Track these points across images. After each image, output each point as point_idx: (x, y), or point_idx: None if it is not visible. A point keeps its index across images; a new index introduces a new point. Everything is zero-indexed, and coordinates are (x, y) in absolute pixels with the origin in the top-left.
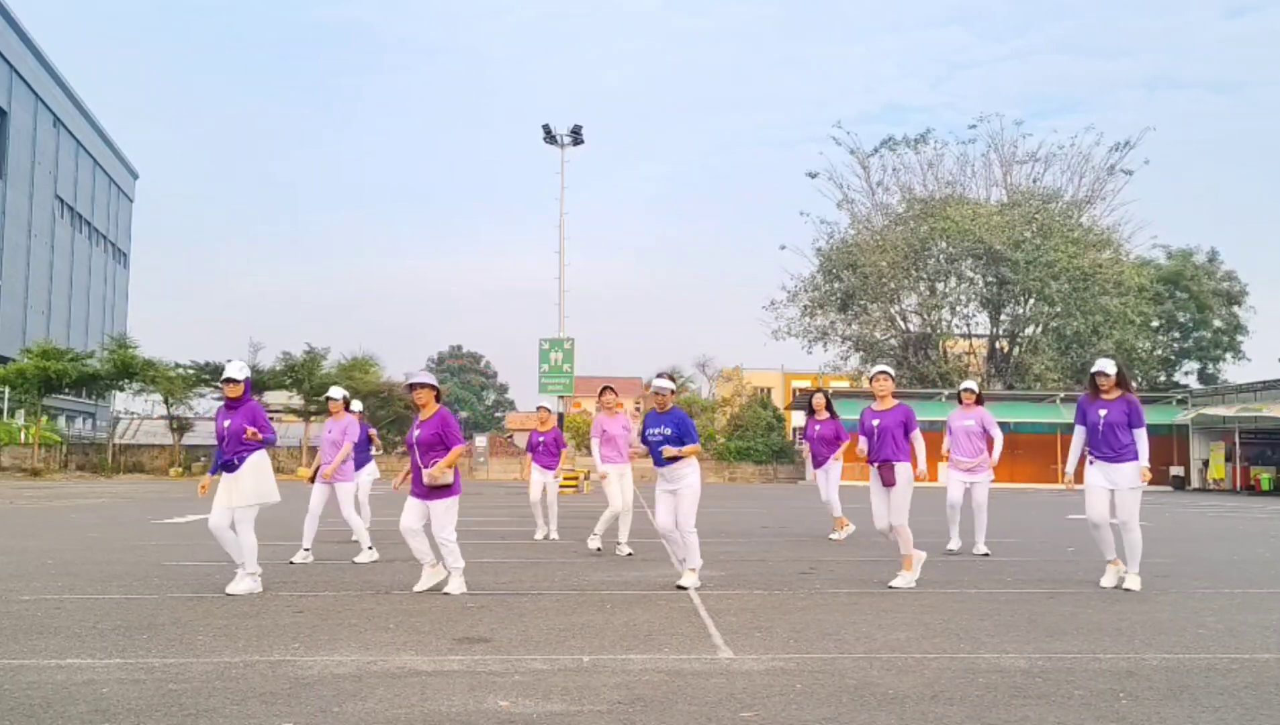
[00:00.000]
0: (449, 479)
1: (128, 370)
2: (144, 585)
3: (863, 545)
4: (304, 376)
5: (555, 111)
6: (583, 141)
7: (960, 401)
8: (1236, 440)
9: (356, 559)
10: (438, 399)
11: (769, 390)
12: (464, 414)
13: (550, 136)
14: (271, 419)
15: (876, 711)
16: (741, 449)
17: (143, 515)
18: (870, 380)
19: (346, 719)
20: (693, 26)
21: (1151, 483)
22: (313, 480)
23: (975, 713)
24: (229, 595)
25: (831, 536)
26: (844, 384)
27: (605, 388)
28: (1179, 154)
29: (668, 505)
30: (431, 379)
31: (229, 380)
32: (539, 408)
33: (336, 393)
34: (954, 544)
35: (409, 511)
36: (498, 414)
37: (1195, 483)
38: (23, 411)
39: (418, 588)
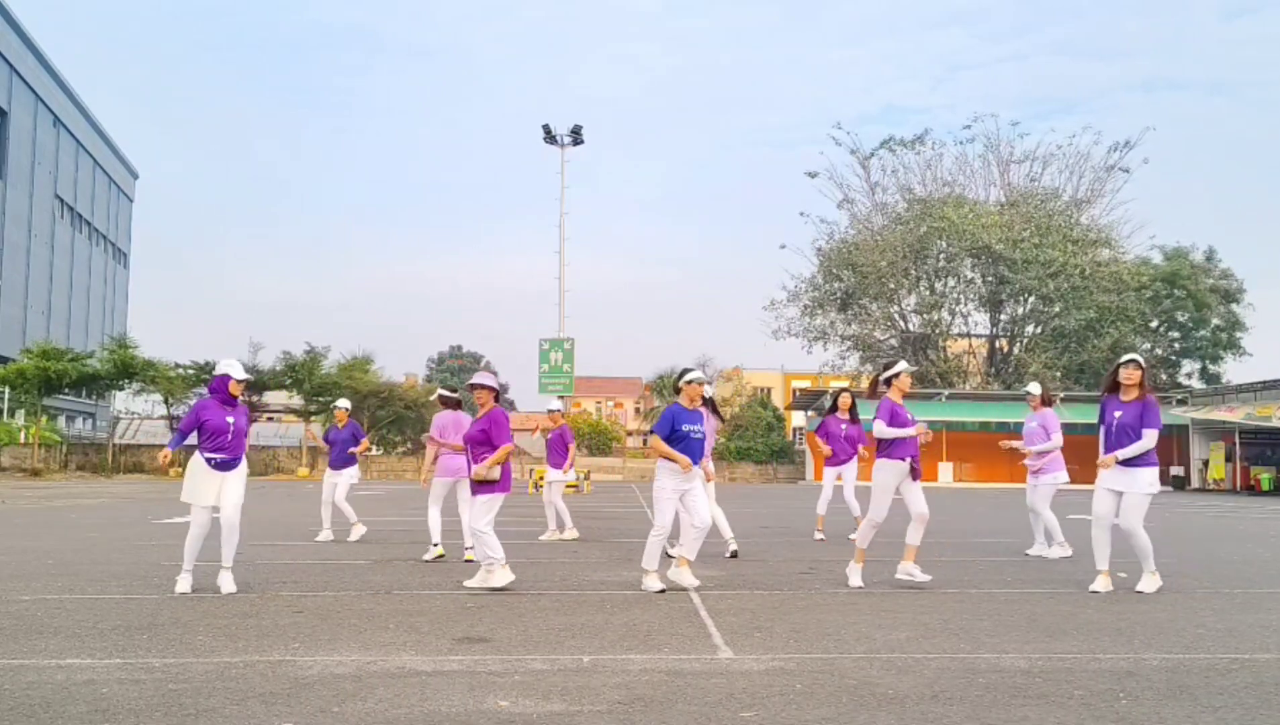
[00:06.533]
0: (495, 476)
1: (128, 370)
2: (144, 585)
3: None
4: (304, 376)
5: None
6: (583, 142)
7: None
8: (1236, 440)
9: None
10: (496, 399)
11: (769, 390)
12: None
13: (550, 136)
14: (270, 419)
15: (876, 711)
16: (741, 449)
17: (143, 515)
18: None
19: (346, 719)
20: (693, 27)
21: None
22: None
23: (975, 713)
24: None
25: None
26: (843, 383)
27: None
28: (1178, 154)
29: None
30: (489, 380)
31: (243, 381)
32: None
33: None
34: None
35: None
36: None
37: (1195, 483)
38: (23, 411)
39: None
